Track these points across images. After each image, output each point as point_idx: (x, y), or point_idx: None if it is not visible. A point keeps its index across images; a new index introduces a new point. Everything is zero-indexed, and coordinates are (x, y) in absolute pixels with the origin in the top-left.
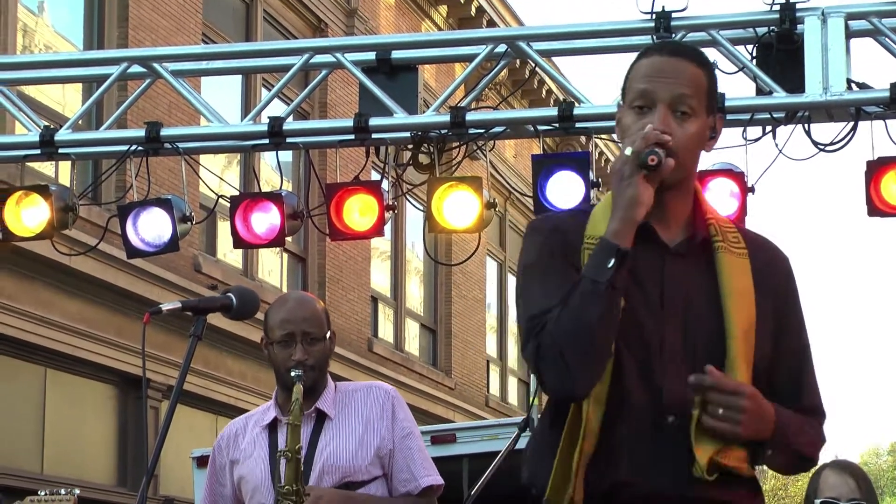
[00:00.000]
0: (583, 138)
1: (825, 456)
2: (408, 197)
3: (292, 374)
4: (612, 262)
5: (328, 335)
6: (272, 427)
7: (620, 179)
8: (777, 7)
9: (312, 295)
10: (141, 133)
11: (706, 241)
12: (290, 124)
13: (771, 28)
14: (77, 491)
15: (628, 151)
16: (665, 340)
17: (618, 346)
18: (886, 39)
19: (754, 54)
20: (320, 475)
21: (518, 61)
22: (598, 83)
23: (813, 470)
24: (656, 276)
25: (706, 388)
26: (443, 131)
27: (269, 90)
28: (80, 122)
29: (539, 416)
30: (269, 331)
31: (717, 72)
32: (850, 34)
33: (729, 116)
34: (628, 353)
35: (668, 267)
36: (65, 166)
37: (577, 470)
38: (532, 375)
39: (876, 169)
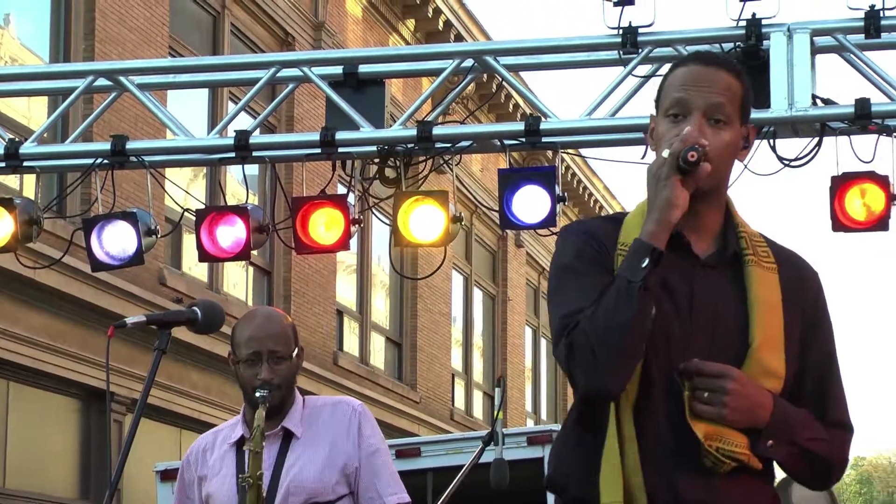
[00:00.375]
0: (550, 153)
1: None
2: (374, 211)
3: (257, 394)
4: (647, 261)
5: (295, 352)
6: (239, 445)
7: (657, 181)
8: (743, 23)
9: (281, 311)
10: (106, 146)
11: (736, 254)
12: (257, 138)
13: (737, 44)
14: None
15: (665, 154)
16: (691, 350)
17: (646, 353)
18: (851, 56)
19: None
20: (286, 496)
21: (485, 76)
22: (564, 98)
23: (776, 483)
24: (686, 287)
25: (692, 374)
26: (409, 145)
27: (237, 104)
28: (45, 134)
29: (502, 429)
30: (236, 348)
31: None
32: (815, 50)
33: None
34: (655, 361)
35: (698, 278)
36: (29, 179)
37: (639, 478)
38: (497, 389)
39: (840, 184)
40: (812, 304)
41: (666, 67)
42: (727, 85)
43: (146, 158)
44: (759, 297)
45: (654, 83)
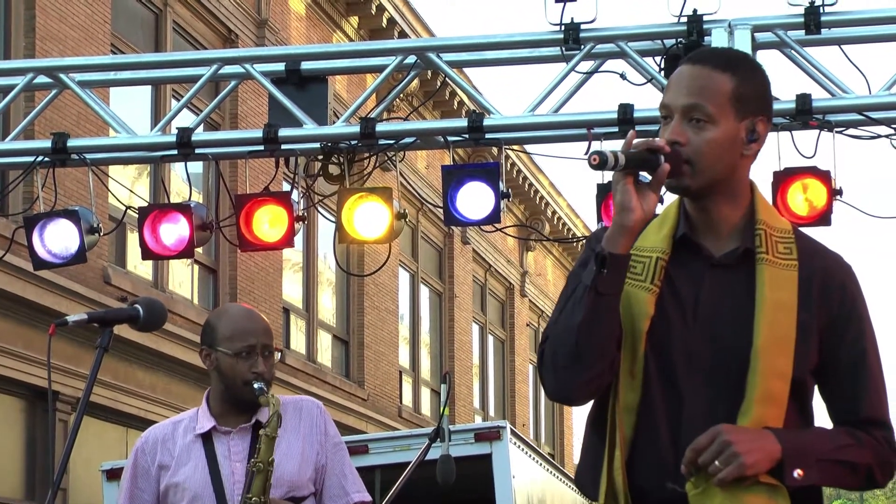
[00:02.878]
0: (495, 149)
1: None
2: (318, 208)
3: (255, 386)
4: (594, 267)
5: (277, 349)
6: (207, 437)
7: (614, 186)
8: (685, 19)
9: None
10: (48, 144)
11: (749, 252)
12: (200, 135)
13: (678, 40)
14: None
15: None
16: (692, 352)
17: (647, 355)
18: (792, 51)
19: (662, 66)
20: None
21: (429, 72)
22: (508, 94)
23: None
24: (694, 288)
25: (695, 464)
26: (353, 142)
27: (180, 101)
28: None
29: (449, 425)
30: (223, 342)
31: (625, 83)
32: (756, 46)
33: (638, 127)
34: (656, 362)
35: (707, 279)
36: None
37: (622, 479)
38: (443, 385)
39: (783, 179)
40: (838, 302)
41: (608, 63)
42: (707, 83)
43: (88, 156)
44: (767, 297)
45: (596, 79)
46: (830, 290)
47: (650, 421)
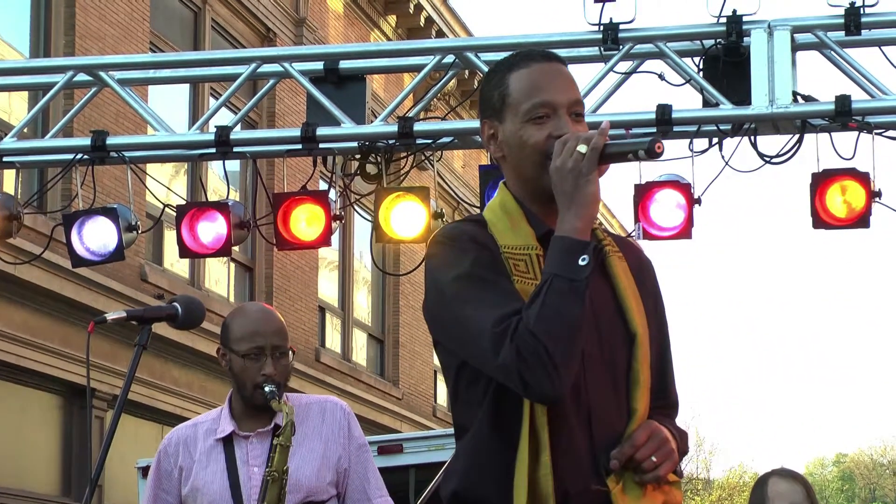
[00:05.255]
0: None
1: (771, 465)
2: (355, 207)
3: (266, 389)
4: (586, 258)
5: (290, 349)
6: (228, 440)
7: (577, 177)
8: (724, 20)
9: (271, 307)
10: (87, 142)
11: (596, 247)
12: (238, 133)
13: (718, 40)
14: None
15: (582, 149)
16: (585, 347)
17: None
18: (831, 52)
19: (701, 66)
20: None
21: (467, 71)
22: None
23: (755, 480)
24: None
25: (629, 459)
26: (390, 141)
27: (218, 99)
28: (25, 130)
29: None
30: (234, 342)
31: (664, 83)
32: (795, 47)
33: (676, 128)
34: None
35: None
36: (10, 174)
37: (551, 483)
38: None
39: (821, 181)
40: (654, 289)
41: (647, 64)
42: (573, 80)
43: (126, 154)
44: (625, 287)
45: (635, 80)
46: (649, 279)
47: (562, 420)
